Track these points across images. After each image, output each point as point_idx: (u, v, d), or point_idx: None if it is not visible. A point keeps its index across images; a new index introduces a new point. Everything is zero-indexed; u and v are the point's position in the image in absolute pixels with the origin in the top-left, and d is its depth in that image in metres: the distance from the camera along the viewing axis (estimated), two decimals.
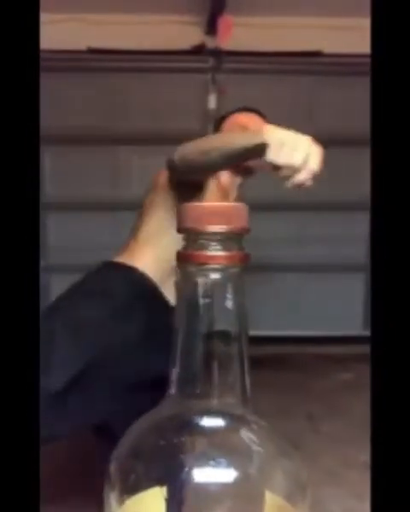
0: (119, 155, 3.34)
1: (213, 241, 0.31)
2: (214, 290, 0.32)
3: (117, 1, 2.86)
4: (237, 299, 0.32)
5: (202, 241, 0.31)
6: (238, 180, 1.29)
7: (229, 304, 0.32)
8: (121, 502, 0.33)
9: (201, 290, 0.32)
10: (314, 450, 1.98)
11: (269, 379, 2.59)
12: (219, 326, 0.32)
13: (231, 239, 0.31)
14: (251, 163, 1.16)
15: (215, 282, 0.32)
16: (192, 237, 0.31)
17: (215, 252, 0.31)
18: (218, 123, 1.34)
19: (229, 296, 0.32)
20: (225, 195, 1.25)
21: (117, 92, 3.22)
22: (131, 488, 0.33)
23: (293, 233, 3.38)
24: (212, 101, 3.19)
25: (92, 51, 3.09)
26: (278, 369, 2.85)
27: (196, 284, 0.32)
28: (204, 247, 0.31)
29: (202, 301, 0.32)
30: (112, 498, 0.33)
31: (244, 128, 1.21)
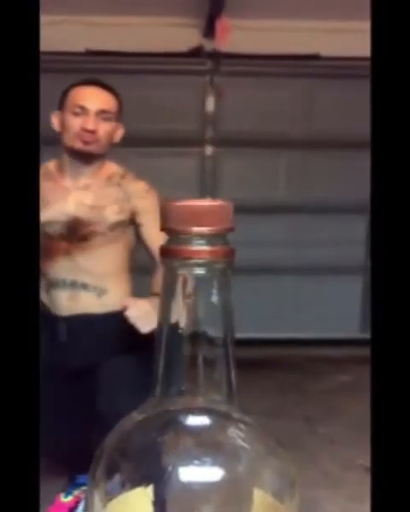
0: (117, 157, 3.34)
1: (196, 237, 0.30)
2: (199, 285, 0.31)
3: (115, 3, 2.86)
4: (223, 295, 0.31)
5: (185, 237, 0.30)
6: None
7: (214, 299, 0.31)
8: (106, 502, 0.32)
9: (185, 285, 0.31)
10: (312, 452, 1.97)
11: (267, 381, 2.59)
12: (204, 322, 0.32)
13: (215, 235, 0.31)
14: None
15: (200, 277, 0.31)
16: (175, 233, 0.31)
17: (199, 247, 0.30)
18: (61, 99, 1.44)
19: (214, 291, 0.31)
20: None
21: None
22: (115, 488, 0.32)
23: (291, 235, 3.38)
24: (210, 104, 3.19)
25: (90, 53, 3.09)
26: (275, 370, 2.84)
27: (179, 279, 0.31)
28: (188, 243, 0.30)
29: (186, 297, 0.31)
30: (96, 498, 0.33)
31: (82, 108, 1.36)
